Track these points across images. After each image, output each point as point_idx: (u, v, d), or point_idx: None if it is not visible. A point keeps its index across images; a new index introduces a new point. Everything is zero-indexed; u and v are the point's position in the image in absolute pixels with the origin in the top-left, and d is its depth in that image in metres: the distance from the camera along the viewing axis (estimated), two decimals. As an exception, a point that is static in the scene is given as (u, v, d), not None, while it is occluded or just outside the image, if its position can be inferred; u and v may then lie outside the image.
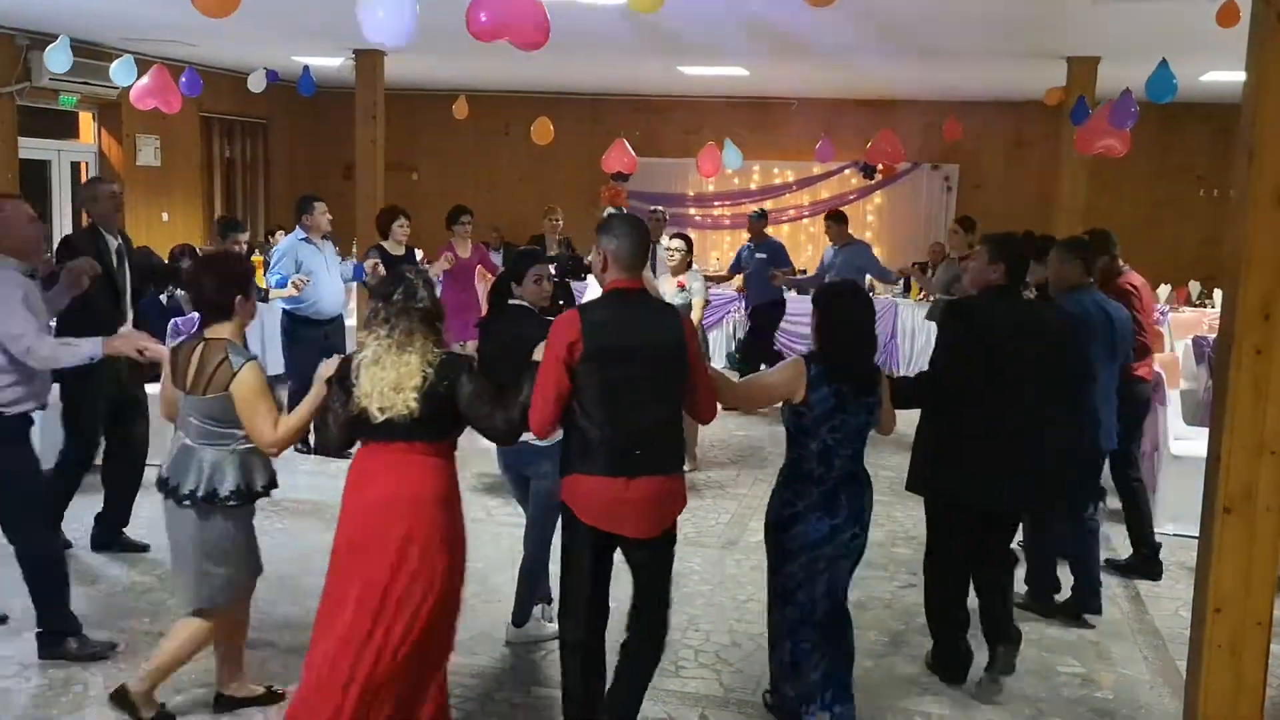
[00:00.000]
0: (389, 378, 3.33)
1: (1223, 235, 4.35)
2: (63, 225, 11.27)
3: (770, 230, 14.11)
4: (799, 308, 10.31)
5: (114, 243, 5.47)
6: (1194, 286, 11.45)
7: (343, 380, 3.43)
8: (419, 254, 9.04)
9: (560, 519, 3.63)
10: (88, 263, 5.05)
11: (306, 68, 10.12)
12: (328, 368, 3.54)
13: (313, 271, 7.45)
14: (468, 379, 3.39)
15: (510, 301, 4.64)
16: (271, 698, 4.09)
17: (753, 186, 14.11)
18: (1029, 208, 11.68)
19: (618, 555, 3.60)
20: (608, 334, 3.41)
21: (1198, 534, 3.94)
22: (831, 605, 3.85)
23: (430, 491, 3.39)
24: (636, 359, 3.43)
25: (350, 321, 8.40)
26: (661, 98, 13.85)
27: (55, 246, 9.94)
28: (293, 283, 7.24)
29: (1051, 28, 8.04)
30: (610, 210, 7.14)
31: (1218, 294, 9.76)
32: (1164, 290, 11.38)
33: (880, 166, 12.98)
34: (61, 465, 5.47)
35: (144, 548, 5.70)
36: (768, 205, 14.09)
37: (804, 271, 11.69)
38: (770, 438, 8.40)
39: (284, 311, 7.66)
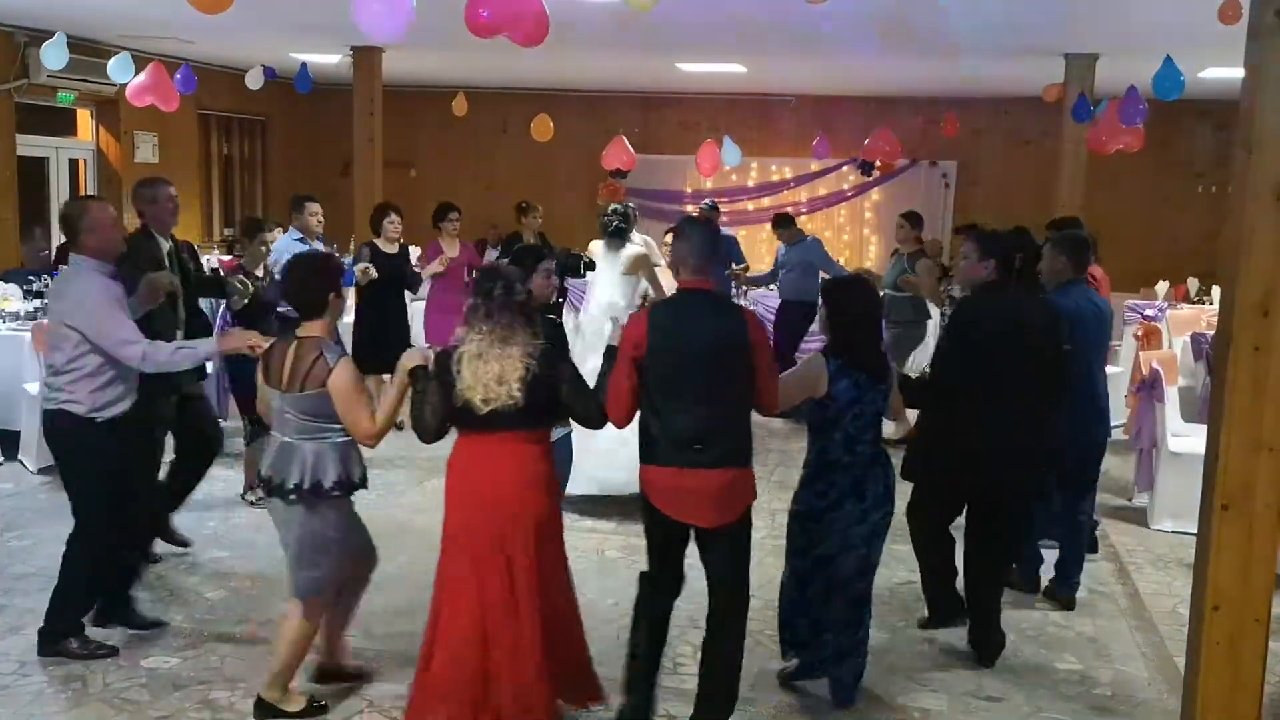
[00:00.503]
0: (493, 370, 3.52)
1: (1221, 231, 4.36)
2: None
3: (767, 227, 14.15)
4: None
5: (166, 245, 5.31)
6: (1192, 283, 11.45)
7: (442, 374, 3.60)
8: (414, 252, 8.88)
9: (645, 511, 3.82)
10: (167, 277, 4.97)
11: (304, 65, 10.12)
12: (410, 358, 3.70)
13: None
14: (568, 370, 3.66)
15: None
16: (363, 675, 4.26)
17: (750, 183, 14.12)
18: (1027, 204, 11.67)
19: None
20: (671, 332, 3.62)
21: (1196, 531, 3.94)
22: (864, 583, 4.11)
23: (539, 475, 3.65)
24: (696, 356, 3.61)
25: (347, 319, 8.15)
26: (660, 95, 13.85)
27: (56, 247, 9.98)
28: None
29: (1049, 24, 8.04)
30: (614, 206, 7.05)
31: (1216, 290, 9.77)
32: (1162, 287, 11.38)
33: (878, 163, 12.97)
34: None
35: (187, 543, 5.66)
36: (765, 202, 14.13)
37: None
38: (767, 434, 8.40)
39: (279, 315, 7.03)
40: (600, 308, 6.66)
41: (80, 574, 4.40)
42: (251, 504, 6.34)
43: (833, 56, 10.19)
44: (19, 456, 7.11)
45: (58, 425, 4.31)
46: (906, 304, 8.40)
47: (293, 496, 3.76)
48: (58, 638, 4.39)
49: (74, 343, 4.20)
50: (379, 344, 7.28)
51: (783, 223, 9.50)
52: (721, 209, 14.07)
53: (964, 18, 7.91)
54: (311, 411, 3.76)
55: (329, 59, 10.86)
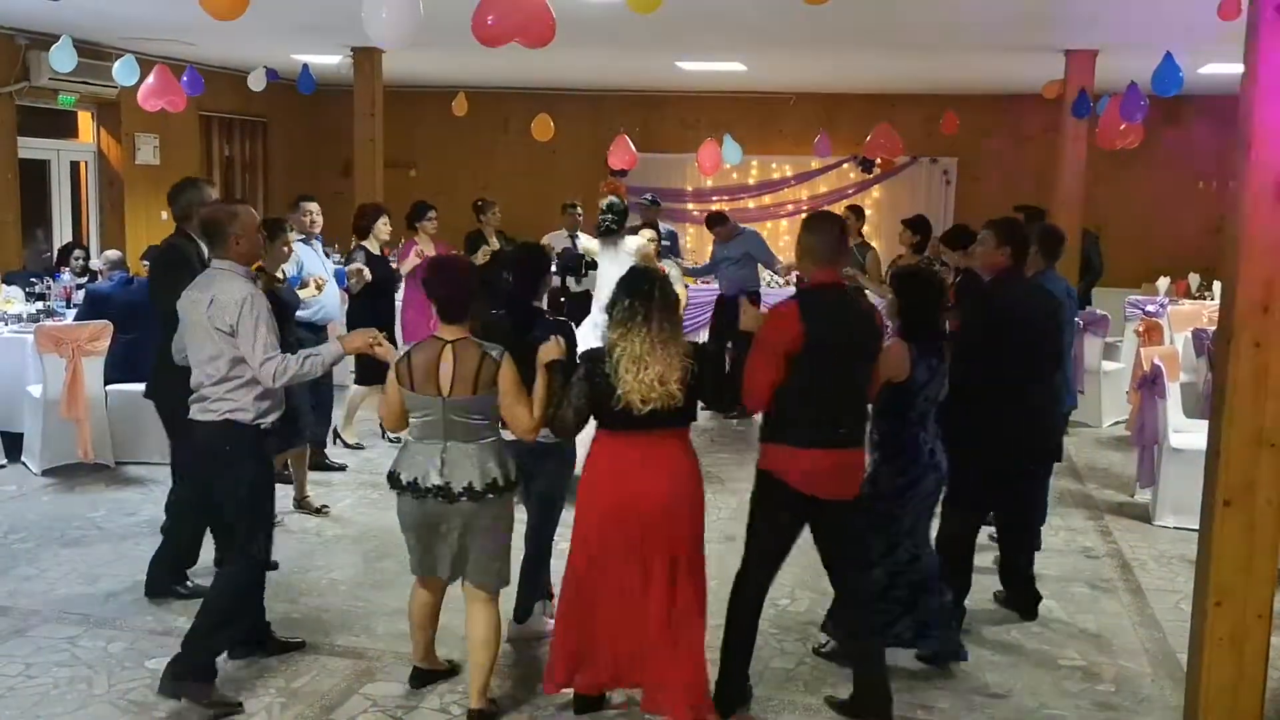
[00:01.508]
0: (654, 372, 3.59)
1: (1222, 227, 4.37)
2: (62, 226, 11.28)
3: (769, 225, 14.19)
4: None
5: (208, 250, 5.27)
6: (1193, 279, 11.44)
7: (593, 375, 3.69)
8: (392, 254, 8.51)
9: (760, 486, 3.93)
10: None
11: (306, 66, 10.12)
12: (548, 351, 3.83)
13: (316, 275, 6.98)
14: (708, 364, 3.74)
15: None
16: (453, 670, 4.30)
17: (751, 181, 14.12)
18: (1028, 200, 11.63)
19: None
20: (828, 325, 3.79)
21: (1198, 527, 3.95)
22: (932, 552, 4.41)
23: (695, 470, 3.80)
24: (849, 347, 3.86)
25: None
26: (660, 93, 13.85)
27: (59, 249, 9.99)
28: (314, 282, 6.69)
29: (1049, 20, 8.04)
30: (608, 202, 7.06)
31: (1217, 286, 9.76)
32: (1163, 282, 11.37)
33: (879, 160, 12.98)
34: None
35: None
36: (766, 200, 14.13)
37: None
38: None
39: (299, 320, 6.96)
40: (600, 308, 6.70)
41: (241, 596, 4.19)
42: (318, 510, 6.38)
43: (833, 54, 10.19)
44: (22, 458, 7.12)
45: (225, 436, 4.08)
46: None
47: (463, 498, 3.77)
48: (200, 673, 4.04)
49: (233, 347, 4.02)
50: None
51: (718, 220, 9.56)
52: (726, 207, 14.14)
53: (964, 14, 7.91)
54: (481, 411, 3.79)
55: (329, 60, 10.86)
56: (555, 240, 9.66)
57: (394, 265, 8.04)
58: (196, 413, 4.13)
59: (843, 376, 3.85)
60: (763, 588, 4.02)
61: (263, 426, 4.13)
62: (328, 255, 7.68)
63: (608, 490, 3.73)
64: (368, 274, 7.29)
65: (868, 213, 13.78)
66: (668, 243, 9.78)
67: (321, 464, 7.21)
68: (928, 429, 4.27)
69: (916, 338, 4.20)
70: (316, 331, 7.02)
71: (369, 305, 7.45)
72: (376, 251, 7.61)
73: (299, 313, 6.72)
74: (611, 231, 6.83)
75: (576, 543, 3.85)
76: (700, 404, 3.83)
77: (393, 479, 3.89)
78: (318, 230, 7.17)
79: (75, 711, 4.00)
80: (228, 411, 4.06)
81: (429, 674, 4.25)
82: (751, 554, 4.03)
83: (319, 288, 6.65)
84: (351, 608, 5.01)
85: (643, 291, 3.68)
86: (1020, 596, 5.12)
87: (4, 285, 8.53)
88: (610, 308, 3.75)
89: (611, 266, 6.77)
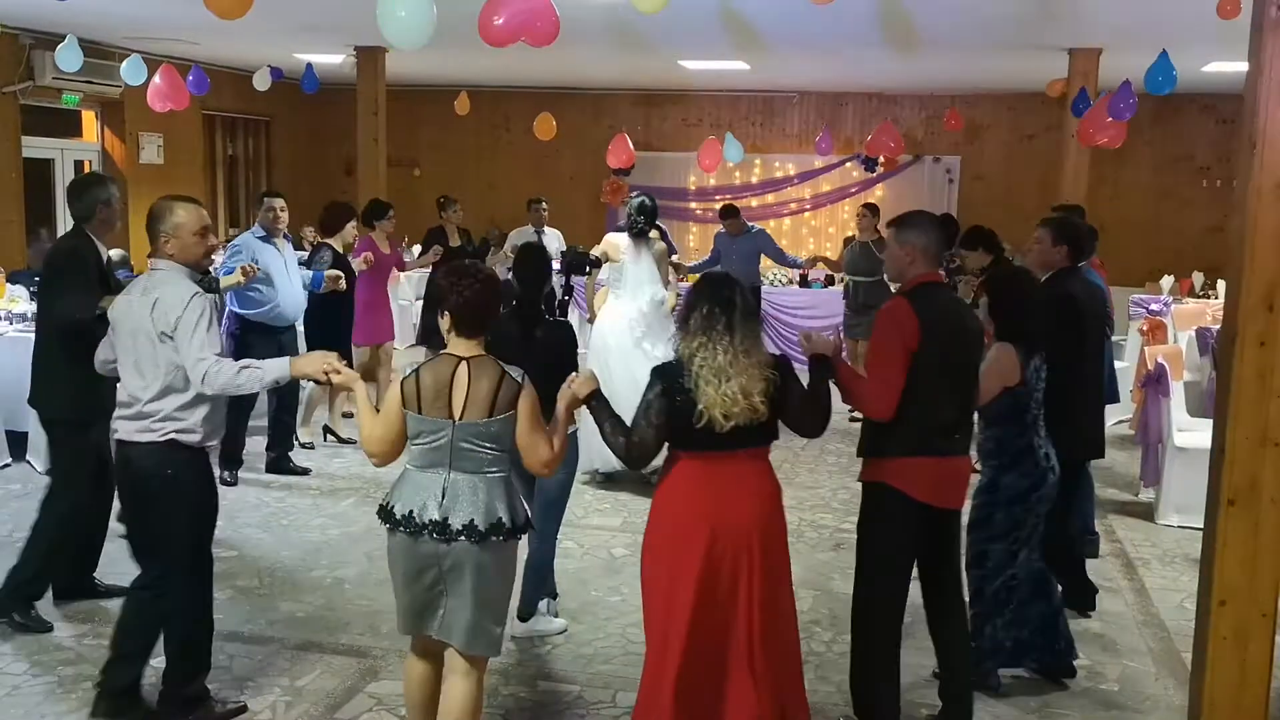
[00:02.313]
0: (736, 384, 3.27)
1: (1226, 226, 4.38)
2: (66, 225, 11.27)
3: (773, 223, 14.18)
4: (794, 300, 10.37)
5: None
6: (1198, 277, 11.42)
7: (669, 391, 3.33)
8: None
9: (876, 500, 3.78)
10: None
11: (309, 65, 10.13)
12: (585, 385, 3.44)
13: (270, 272, 6.65)
14: (794, 379, 3.43)
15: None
16: None
17: (754, 180, 14.11)
18: (1031, 199, 11.67)
19: None
20: (942, 324, 3.68)
21: (1202, 526, 3.94)
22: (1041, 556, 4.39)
23: (777, 490, 3.51)
24: (963, 347, 3.78)
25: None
26: (662, 92, 13.85)
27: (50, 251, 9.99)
28: (241, 269, 6.36)
29: (1053, 19, 8.03)
30: (639, 202, 7.11)
31: (1221, 285, 9.75)
32: (1167, 281, 11.36)
33: (881, 159, 12.97)
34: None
35: None
36: (769, 199, 14.12)
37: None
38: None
39: (235, 316, 6.79)
40: (638, 307, 6.78)
41: (190, 629, 3.92)
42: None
43: (836, 53, 10.18)
44: (27, 457, 7.13)
45: (168, 459, 3.70)
46: (877, 288, 8.66)
47: (462, 537, 3.26)
48: (189, 704, 3.92)
49: (178, 360, 3.66)
50: (332, 347, 7.01)
51: (731, 213, 9.56)
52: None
53: (967, 13, 7.91)
54: (494, 439, 3.30)
55: (333, 59, 10.87)
56: (520, 237, 9.59)
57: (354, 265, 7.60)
58: (132, 432, 3.71)
59: (958, 380, 3.76)
60: (897, 608, 3.83)
61: (208, 449, 3.81)
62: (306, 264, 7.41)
63: (683, 513, 3.37)
64: (343, 283, 7.08)
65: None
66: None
67: (285, 467, 7.07)
68: (1040, 433, 4.22)
69: (1019, 340, 4.13)
70: (272, 335, 6.72)
71: (328, 307, 7.18)
72: (340, 250, 7.38)
73: (240, 310, 6.71)
74: (644, 233, 6.93)
75: (652, 585, 3.45)
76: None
77: (385, 513, 3.37)
78: (282, 226, 6.92)
79: (80, 710, 4.00)
80: (172, 432, 3.68)
81: None
82: (877, 573, 3.82)
83: (246, 274, 6.32)
84: (356, 606, 5.01)
85: (724, 298, 3.36)
86: (1083, 591, 5.13)
87: (8, 284, 8.54)
88: (686, 316, 3.42)
89: (638, 267, 6.90)
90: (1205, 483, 3.85)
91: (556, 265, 6.80)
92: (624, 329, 6.77)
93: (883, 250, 8.61)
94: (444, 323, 3.35)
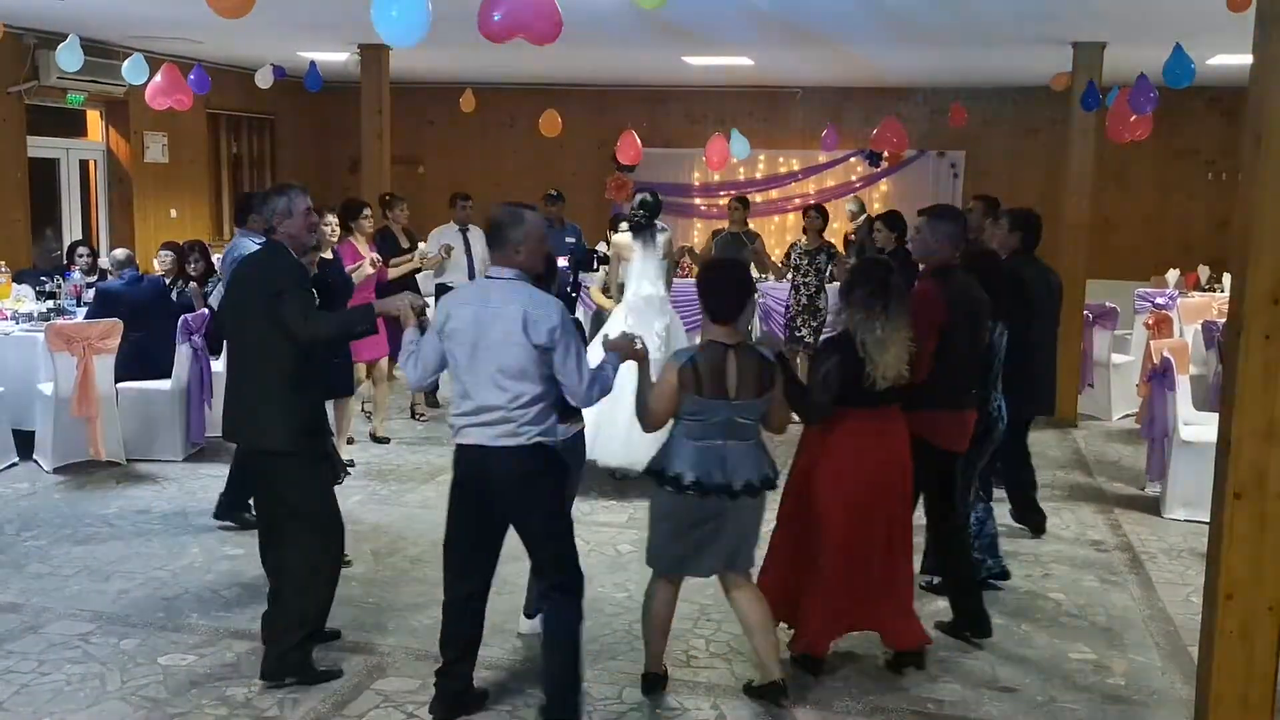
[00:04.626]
0: (895, 352, 4.02)
1: (1231, 219, 4.39)
2: (71, 224, 11.31)
3: (776, 219, 14.17)
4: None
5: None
6: (1203, 271, 11.39)
7: (847, 358, 4.04)
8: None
9: (921, 450, 4.33)
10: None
11: (313, 63, 10.14)
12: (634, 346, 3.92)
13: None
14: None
15: None
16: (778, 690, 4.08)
17: (758, 175, 14.10)
18: (1036, 193, 11.64)
19: None
20: (968, 300, 4.48)
21: (1208, 520, 3.94)
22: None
23: (909, 438, 4.27)
24: (982, 319, 4.56)
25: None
26: (667, 88, 13.84)
27: (66, 247, 10.02)
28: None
29: (1057, 13, 8.01)
30: (641, 199, 7.10)
31: (1227, 279, 9.73)
32: (1173, 275, 11.34)
33: (886, 154, 12.94)
34: None
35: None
36: (774, 194, 14.10)
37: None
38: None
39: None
40: (642, 302, 6.83)
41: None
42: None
43: (840, 48, 10.16)
44: (34, 456, 7.15)
45: (541, 459, 3.78)
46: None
47: (765, 491, 3.96)
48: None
49: (547, 364, 3.72)
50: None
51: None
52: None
53: (971, 7, 7.89)
54: (756, 413, 3.91)
55: (337, 57, 10.87)
56: (445, 235, 8.95)
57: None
58: (499, 437, 3.71)
59: (978, 343, 4.56)
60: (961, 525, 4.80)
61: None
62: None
63: (862, 461, 4.14)
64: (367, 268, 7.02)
65: (876, 206, 13.83)
66: (571, 239, 9.77)
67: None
68: (997, 388, 4.87)
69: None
70: None
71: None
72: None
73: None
74: (643, 227, 6.98)
75: (832, 514, 4.14)
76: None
77: (673, 480, 3.86)
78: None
79: (88, 708, 4.02)
80: (537, 436, 3.75)
81: (663, 679, 4.24)
82: (962, 512, 4.80)
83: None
84: (363, 604, 5.02)
85: (879, 278, 4.10)
86: (1036, 516, 6.10)
87: (14, 284, 8.57)
88: (848, 292, 4.14)
89: (645, 261, 6.94)
90: (1211, 477, 3.85)
91: (564, 262, 6.81)
92: (619, 322, 6.80)
93: (753, 241, 8.92)
94: (702, 310, 3.94)
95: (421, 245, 8.51)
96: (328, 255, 5.80)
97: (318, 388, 4.35)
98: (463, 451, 3.82)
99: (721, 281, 3.96)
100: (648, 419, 3.92)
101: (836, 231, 13.59)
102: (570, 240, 9.67)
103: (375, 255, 7.43)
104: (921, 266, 4.83)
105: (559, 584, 3.88)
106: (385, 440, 7.91)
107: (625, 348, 3.90)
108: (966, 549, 4.85)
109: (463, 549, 3.91)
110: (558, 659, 3.86)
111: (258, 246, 4.76)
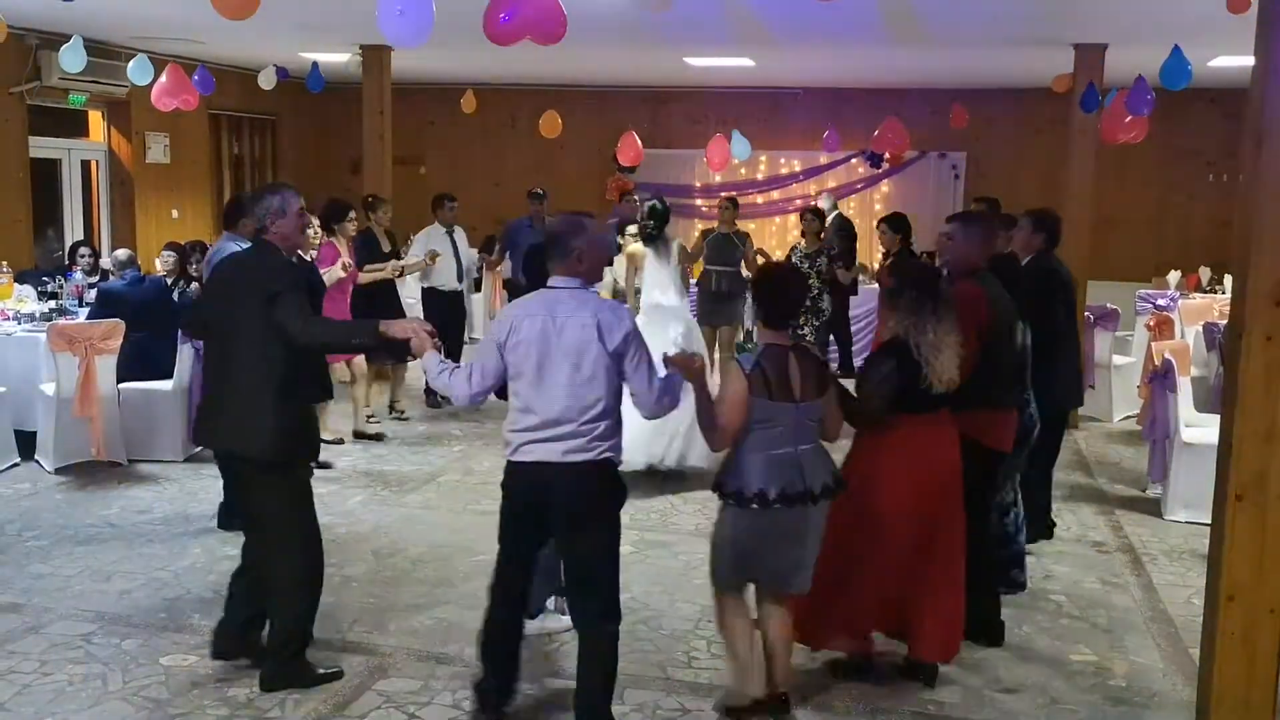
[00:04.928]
0: (949, 354, 4.03)
1: (1232, 220, 4.40)
2: (73, 224, 11.32)
3: (777, 220, 14.18)
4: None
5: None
6: (1204, 272, 11.39)
7: (905, 364, 4.02)
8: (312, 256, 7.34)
9: (970, 450, 4.29)
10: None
11: (315, 64, 10.14)
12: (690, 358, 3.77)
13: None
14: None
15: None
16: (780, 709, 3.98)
17: (759, 176, 14.10)
18: (1037, 194, 11.63)
19: None
20: (1002, 302, 4.52)
21: (1210, 521, 3.94)
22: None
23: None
24: (1014, 321, 4.64)
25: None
26: (668, 89, 13.84)
27: (68, 247, 10.04)
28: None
29: (1058, 14, 8.01)
30: (651, 206, 7.14)
31: (1229, 280, 9.73)
32: (1174, 276, 11.33)
33: (887, 155, 12.94)
34: None
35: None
36: (775, 195, 14.11)
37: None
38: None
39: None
40: (656, 310, 6.90)
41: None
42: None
43: (841, 49, 10.17)
44: (35, 457, 7.16)
45: (609, 476, 3.67)
46: (734, 278, 9.20)
47: (837, 491, 3.89)
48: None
49: (617, 375, 3.62)
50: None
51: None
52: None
53: (972, 8, 7.89)
54: (819, 415, 3.88)
55: (338, 58, 10.88)
56: (431, 237, 8.86)
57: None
58: (569, 452, 3.56)
59: (1013, 344, 4.62)
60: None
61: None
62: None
63: (920, 465, 4.11)
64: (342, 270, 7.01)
65: (877, 207, 13.86)
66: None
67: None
68: (1030, 388, 4.98)
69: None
70: None
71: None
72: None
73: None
74: (654, 237, 7.04)
75: (889, 520, 4.08)
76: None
77: (757, 497, 3.70)
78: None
79: (90, 709, 4.03)
80: (605, 452, 3.62)
81: (784, 703, 3.98)
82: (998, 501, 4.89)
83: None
84: (364, 605, 5.02)
85: (927, 282, 4.14)
86: (1046, 525, 6.04)
87: (16, 284, 8.57)
88: (896, 296, 4.14)
89: (658, 271, 6.96)
90: (1212, 478, 3.85)
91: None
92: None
93: (744, 242, 9.02)
94: (758, 314, 3.95)
95: (393, 262, 8.25)
96: (306, 258, 5.77)
97: (307, 393, 4.25)
98: (522, 470, 3.62)
99: (781, 287, 3.95)
100: (718, 433, 3.73)
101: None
102: None
103: (347, 260, 7.37)
104: (946, 271, 4.79)
105: (607, 611, 3.70)
106: (374, 437, 7.96)
107: (687, 364, 3.68)
108: (992, 553, 4.83)
109: (517, 571, 3.80)
110: (599, 687, 3.70)
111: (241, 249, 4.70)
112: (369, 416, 8.18)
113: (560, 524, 3.67)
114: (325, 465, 6.99)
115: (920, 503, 4.13)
